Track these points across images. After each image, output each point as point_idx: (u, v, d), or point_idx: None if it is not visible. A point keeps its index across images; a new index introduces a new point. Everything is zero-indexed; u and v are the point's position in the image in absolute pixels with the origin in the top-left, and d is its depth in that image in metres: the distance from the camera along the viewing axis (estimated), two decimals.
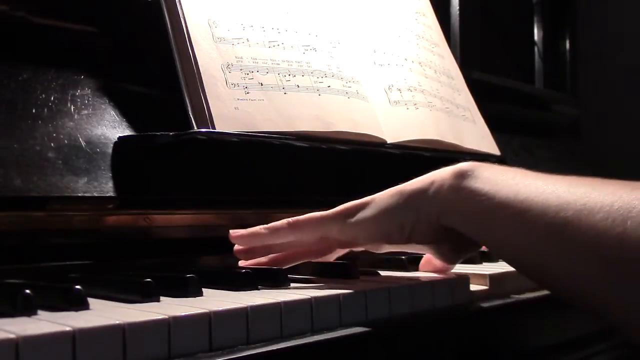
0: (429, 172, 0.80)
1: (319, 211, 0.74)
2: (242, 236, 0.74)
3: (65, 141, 0.74)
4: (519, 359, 0.79)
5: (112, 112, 0.81)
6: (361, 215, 0.70)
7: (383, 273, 0.79)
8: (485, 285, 0.78)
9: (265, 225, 0.73)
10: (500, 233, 0.63)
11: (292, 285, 0.68)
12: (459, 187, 0.64)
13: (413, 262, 0.83)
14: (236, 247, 0.75)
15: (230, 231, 0.74)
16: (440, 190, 0.65)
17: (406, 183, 0.69)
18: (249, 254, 0.75)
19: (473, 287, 0.76)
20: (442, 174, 0.66)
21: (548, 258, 0.59)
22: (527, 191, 0.60)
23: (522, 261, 0.63)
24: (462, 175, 0.64)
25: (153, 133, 0.78)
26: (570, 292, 0.60)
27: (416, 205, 0.67)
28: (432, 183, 0.66)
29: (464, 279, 0.75)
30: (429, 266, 0.79)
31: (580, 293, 0.58)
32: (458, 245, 0.70)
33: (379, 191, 0.81)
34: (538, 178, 0.62)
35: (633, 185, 0.57)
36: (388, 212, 0.68)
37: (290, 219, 0.73)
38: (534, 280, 0.65)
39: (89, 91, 0.80)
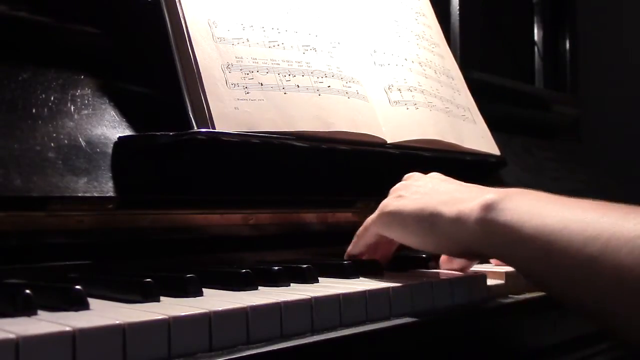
0: (429, 172, 0.81)
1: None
2: (350, 252, 0.83)
3: (65, 141, 0.74)
4: (518, 359, 0.79)
5: (112, 112, 0.81)
6: (395, 224, 0.76)
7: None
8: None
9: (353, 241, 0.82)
10: (528, 263, 0.64)
11: (292, 284, 0.68)
12: (485, 220, 0.65)
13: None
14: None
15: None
16: (468, 221, 0.67)
17: (436, 202, 0.72)
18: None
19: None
20: (470, 206, 0.67)
21: (574, 288, 0.60)
22: (552, 222, 0.60)
23: (550, 289, 0.65)
24: (488, 208, 0.65)
25: (153, 133, 0.78)
26: (599, 317, 0.60)
27: (445, 233, 0.70)
28: (460, 213, 0.68)
29: (463, 279, 0.76)
30: (449, 264, 0.83)
31: (609, 319, 0.58)
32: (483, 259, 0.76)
33: (379, 192, 0.82)
34: (565, 206, 0.62)
35: None
36: (418, 232, 0.73)
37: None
38: (564, 304, 0.66)
39: (89, 91, 0.80)
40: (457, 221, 0.68)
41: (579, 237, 0.57)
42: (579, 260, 0.57)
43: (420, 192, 0.76)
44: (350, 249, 0.83)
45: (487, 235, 0.66)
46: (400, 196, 0.77)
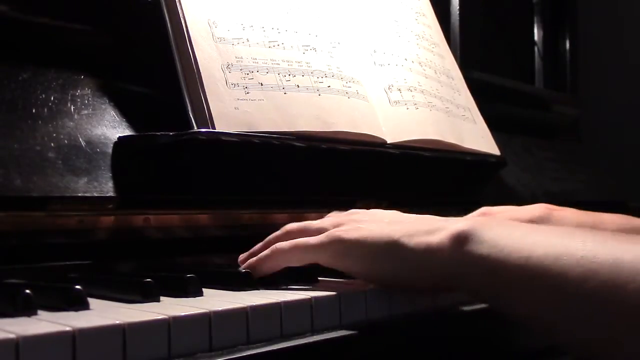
0: (428, 172, 0.80)
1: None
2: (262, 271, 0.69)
3: (65, 141, 0.74)
4: (516, 359, 0.79)
5: (112, 112, 0.81)
6: (353, 256, 0.65)
7: None
8: None
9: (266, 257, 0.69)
10: (511, 297, 0.58)
11: (292, 284, 0.68)
12: (461, 253, 0.59)
13: None
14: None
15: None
16: (439, 254, 0.60)
17: (401, 233, 0.64)
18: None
19: None
20: (439, 237, 0.61)
21: (570, 323, 0.54)
22: (542, 253, 0.54)
23: (537, 323, 0.59)
24: (463, 240, 0.59)
25: (153, 133, 0.78)
26: (597, 351, 0.54)
27: (412, 266, 0.63)
28: (429, 245, 0.61)
29: None
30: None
31: (612, 353, 0.53)
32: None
33: (380, 191, 0.82)
34: (551, 235, 0.57)
35: None
36: (381, 264, 0.64)
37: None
38: (546, 335, 0.61)
39: (89, 91, 0.80)
40: (426, 253, 0.61)
41: (576, 270, 0.52)
42: (579, 295, 0.52)
43: (382, 220, 0.68)
44: (262, 268, 0.68)
45: (463, 270, 0.59)
46: (357, 227, 0.66)
